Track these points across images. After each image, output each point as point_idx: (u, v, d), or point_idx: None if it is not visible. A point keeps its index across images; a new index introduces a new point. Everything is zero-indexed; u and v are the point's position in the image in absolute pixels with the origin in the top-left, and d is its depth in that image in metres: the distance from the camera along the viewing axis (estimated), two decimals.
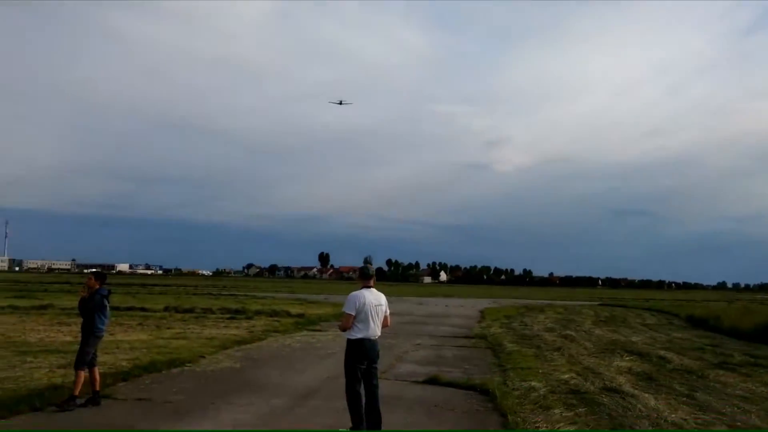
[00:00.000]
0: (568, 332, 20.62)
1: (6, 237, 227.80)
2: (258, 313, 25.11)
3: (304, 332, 18.69)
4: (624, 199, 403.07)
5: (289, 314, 24.71)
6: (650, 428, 7.33)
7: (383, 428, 6.90)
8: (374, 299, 7.00)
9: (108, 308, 8.15)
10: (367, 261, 7.96)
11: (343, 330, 7.01)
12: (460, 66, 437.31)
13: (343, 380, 7.09)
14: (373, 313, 6.91)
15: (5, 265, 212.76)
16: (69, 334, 15.24)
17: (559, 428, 6.82)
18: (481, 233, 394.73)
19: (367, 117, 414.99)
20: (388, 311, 7.26)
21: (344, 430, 6.81)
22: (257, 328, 18.92)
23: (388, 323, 7.31)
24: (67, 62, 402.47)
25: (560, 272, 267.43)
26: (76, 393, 7.66)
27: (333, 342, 15.69)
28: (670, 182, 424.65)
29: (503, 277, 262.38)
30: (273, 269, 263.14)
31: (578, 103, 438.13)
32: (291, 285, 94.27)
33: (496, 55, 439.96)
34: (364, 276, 7.18)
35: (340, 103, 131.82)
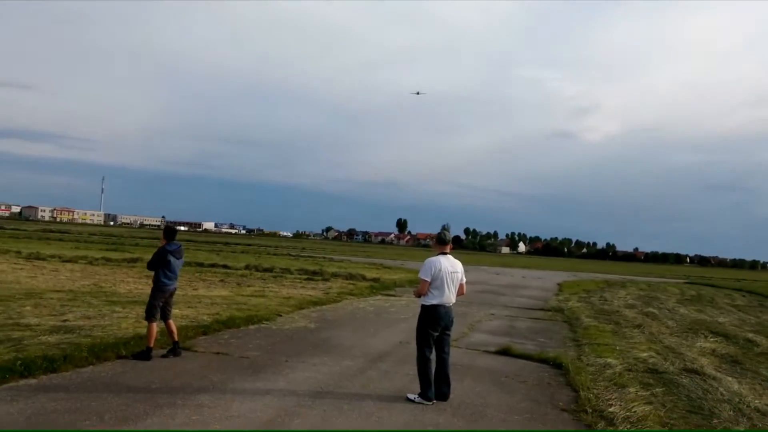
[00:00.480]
0: (650, 309, 19.89)
1: (102, 192, 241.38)
2: (334, 275, 25.59)
3: (379, 296, 18.90)
4: (719, 174, 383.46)
5: (364, 278, 25.03)
6: (731, 413, 6.96)
7: (451, 396, 6.89)
8: (450, 266, 6.94)
9: (173, 263, 8.14)
10: (444, 228, 7.84)
11: (419, 296, 7.01)
12: (550, 29, 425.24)
13: (414, 345, 7.11)
14: (448, 279, 6.87)
15: (101, 219, 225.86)
16: None
17: (632, 407, 6.58)
18: (563, 205, 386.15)
19: (450, 82, 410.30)
20: (464, 279, 7.18)
21: (412, 395, 6.83)
22: (333, 290, 19.26)
23: (464, 291, 7.24)
24: (158, 29, 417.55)
25: (646, 248, 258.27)
26: (150, 344, 7.95)
27: (406, 307, 15.77)
28: None
29: (585, 250, 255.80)
30: (351, 233, 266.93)
31: (675, 69, 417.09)
32: (368, 250, 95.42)
33: (588, 18, 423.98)
34: (440, 242, 7.12)
35: (417, 93, 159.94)
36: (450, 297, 6.93)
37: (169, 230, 8.50)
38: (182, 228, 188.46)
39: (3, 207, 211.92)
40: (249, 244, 72.43)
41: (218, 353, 8.60)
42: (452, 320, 7.07)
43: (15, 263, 21.39)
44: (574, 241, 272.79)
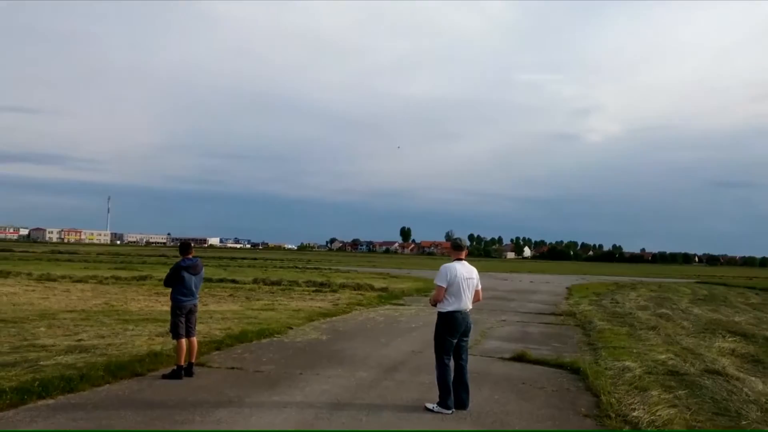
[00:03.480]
0: (664, 311, 19.72)
1: (108, 212, 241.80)
2: (342, 286, 25.49)
3: (388, 306, 18.81)
4: (725, 170, 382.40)
5: (372, 288, 24.94)
6: (759, 414, 6.85)
7: (470, 405, 6.81)
8: (466, 272, 6.90)
9: (188, 279, 8.03)
10: (449, 236, 7.84)
11: (435, 303, 6.96)
12: (547, 32, 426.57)
13: (427, 354, 7.05)
14: (464, 285, 6.82)
15: (108, 239, 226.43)
16: (166, 304, 15.79)
17: (657, 411, 6.48)
18: (567, 207, 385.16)
19: (449, 88, 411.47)
20: (480, 285, 7.14)
21: (431, 404, 6.75)
22: (342, 301, 19.19)
23: (480, 297, 7.21)
24: (162, 44, 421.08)
25: (653, 248, 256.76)
26: (180, 362, 7.84)
27: (416, 316, 15.66)
28: None
29: (591, 253, 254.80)
30: (355, 244, 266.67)
31: (675, 67, 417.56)
32: (373, 260, 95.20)
33: (585, 19, 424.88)
34: (456, 248, 7.10)
35: (398, 147, 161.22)
36: (467, 303, 6.87)
37: (184, 246, 8.45)
38: None
39: (11, 230, 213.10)
40: (255, 258, 72.39)
41: (233, 368, 8.54)
42: (470, 326, 7.02)
43: (27, 285, 21.40)
44: (579, 243, 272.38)
